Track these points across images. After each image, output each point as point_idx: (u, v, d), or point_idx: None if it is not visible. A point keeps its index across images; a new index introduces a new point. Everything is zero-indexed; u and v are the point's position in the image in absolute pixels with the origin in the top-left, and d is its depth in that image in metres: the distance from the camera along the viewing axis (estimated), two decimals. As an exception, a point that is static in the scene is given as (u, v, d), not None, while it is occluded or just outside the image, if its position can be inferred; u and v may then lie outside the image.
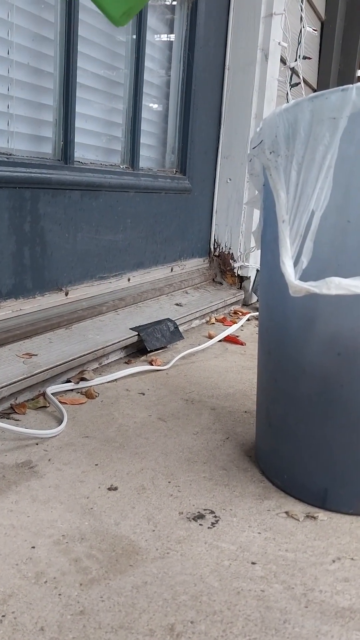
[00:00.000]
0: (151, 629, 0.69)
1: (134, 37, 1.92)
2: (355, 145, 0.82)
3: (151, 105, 2.17)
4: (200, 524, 0.91)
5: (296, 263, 0.84)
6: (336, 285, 0.75)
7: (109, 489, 0.99)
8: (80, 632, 0.68)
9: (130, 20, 1.03)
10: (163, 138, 2.30)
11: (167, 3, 2.15)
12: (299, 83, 2.69)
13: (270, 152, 0.89)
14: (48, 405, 1.31)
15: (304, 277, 0.82)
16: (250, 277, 2.58)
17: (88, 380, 1.45)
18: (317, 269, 0.86)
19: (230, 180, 2.55)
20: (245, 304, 2.59)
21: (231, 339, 1.98)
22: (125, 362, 1.65)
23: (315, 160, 0.82)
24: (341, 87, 0.79)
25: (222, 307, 2.33)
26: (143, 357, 1.70)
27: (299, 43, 2.65)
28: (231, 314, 2.39)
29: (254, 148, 0.96)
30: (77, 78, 1.66)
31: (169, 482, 1.02)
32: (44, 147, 1.64)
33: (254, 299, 2.62)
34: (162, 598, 0.75)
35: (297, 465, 1.00)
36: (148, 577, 0.78)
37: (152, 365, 1.63)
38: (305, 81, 3.12)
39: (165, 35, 2.19)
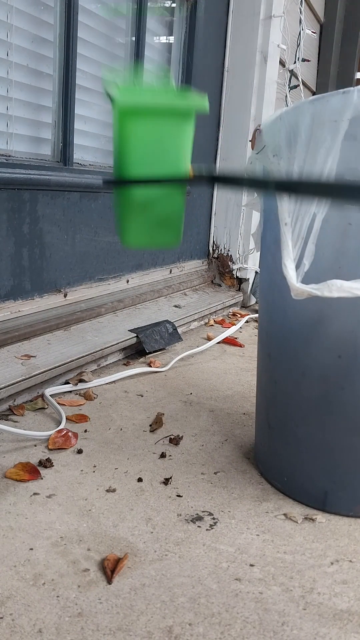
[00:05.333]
0: (149, 631, 0.69)
1: (133, 39, 1.92)
2: (357, 148, 0.82)
3: (150, 107, 2.17)
4: (199, 526, 0.91)
5: (298, 266, 0.84)
6: (338, 288, 0.75)
7: (107, 490, 0.99)
8: (78, 634, 0.68)
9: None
10: (162, 140, 2.30)
11: (167, 5, 2.16)
12: (298, 85, 2.70)
13: (274, 156, 0.89)
14: (46, 406, 1.31)
15: (305, 280, 0.82)
16: (248, 279, 2.58)
17: (87, 381, 1.45)
18: (319, 272, 0.86)
19: (229, 182, 2.55)
20: (243, 305, 2.59)
21: (230, 341, 1.98)
22: (124, 364, 1.65)
23: (316, 163, 0.82)
24: (342, 90, 0.79)
25: (221, 309, 2.33)
26: (142, 359, 1.70)
27: (298, 45, 2.66)
28: (230, 316, 2.39)
29: (257, 153, 0.96)
30: (77, 80, 1.66)
31: (168, 484, 1.02)
32: (43, 149, 1.64)
33: (253, 300, 2.63)
34: (160, 600, 0.75)
35: (297, 468, 1.00)
36: (146, 579, 0.78)
37: (150, 366, 1.63)
38: (304, 83, 3.13)
39: (165, 37, 2.19)
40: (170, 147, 0.96)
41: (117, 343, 1.61)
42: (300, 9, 2.62)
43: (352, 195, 0.63)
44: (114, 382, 1.50)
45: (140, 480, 1.03)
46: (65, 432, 1.16)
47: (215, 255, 2.64)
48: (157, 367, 1.63)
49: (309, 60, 3.29)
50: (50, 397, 1.31)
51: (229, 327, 2.11)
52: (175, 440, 1.18)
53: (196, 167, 0.98)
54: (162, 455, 1.12)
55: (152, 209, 1.00)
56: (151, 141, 0.95)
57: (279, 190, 0.77)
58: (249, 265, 2.58)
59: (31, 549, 0.83)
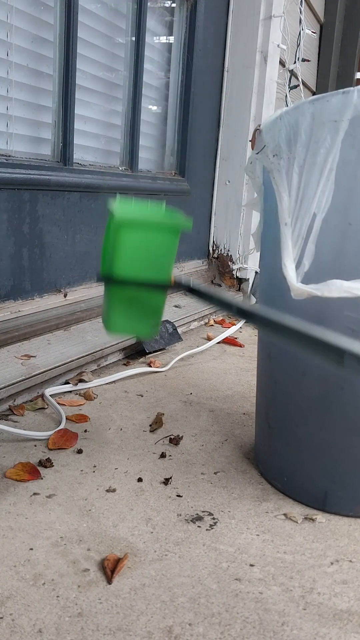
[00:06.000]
0: (149, 631, 0.69)
1: (133, 39, 1.92)
2: (357, 148, 0.82)
3: (150, 107, 2.18)
4: (199, 526, 0.91)
5: (298, 266, 0.84)
6: (337, 288, 0.75)
7: (107, 490, 0.99)
8: (78, 634, 0.68)
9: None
10: (162, 140, 2.30)
11: (167, 5, 2.16)
12: (298, 85, 2.70)
13: (274, 156, 0.89)
14: (46, 406, 1.31)
15: (305, 280, 0.83)
16: (248, 279, 2.58)
17: (86, 381, 1.45)
18: (319, 272, 0.86)
19: (229, 182, 2.55)
20: (243, 306, 2.59)
21: (230, 341, 1.98)
22: (124, 364, 1.65)
23: (316, 163, 0.83)
24: (342, 90, 0.79)
25: (221, 309, 2.33)
26: (142, 359, 1.70)
27: (298, 45, 2.66)
28: (230, 316, 2.39)
29: (257, 153, 0.96)
30: (77, 80, 1.66)
31: (168, 484, 1.02)
32: (43, 149, 1.64)
33: (253, 300, 2.63)
34: (160, 600, 0.75)
35: (297, 468, 1.00)
36: (146, 579, 0.78)
37: (150, 367, 1.63)
38: (304, 83, 3.13)
39: (165, 37, 2.19)
40: (156, 256, 1.12)
41: (117, 343, 1.61)
42: (300, 9, 2.62)
43: (304, 344, 0.70)
44: (114, 382, 1.50)
45: (140, 480, 1.03)
46: (65, 432, 1.16)
47: (215, 255, 2.64)
48: (157, 367, 1.63)
49: (309, 60, 3.29)
50: (50, 397, 1.31)
51: (229, 327, 2.11)
52: (175, 440, 1.18)
53: (177, 277, 1.13)
54: (162, 455, 1.12)
55: (136, 303, 1.15)
56: (140, 250, 1.11)
57: (239, 314, 0.87)
58: (249, 265, 2.58)
59: (31, 549, 0.83)
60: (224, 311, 0.97)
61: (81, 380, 1.45)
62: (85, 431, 1.21)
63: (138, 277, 1.11)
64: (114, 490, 0.99)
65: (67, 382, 1.44)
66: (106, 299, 1.18)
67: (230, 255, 2.60)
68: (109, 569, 0.79)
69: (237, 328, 2.14)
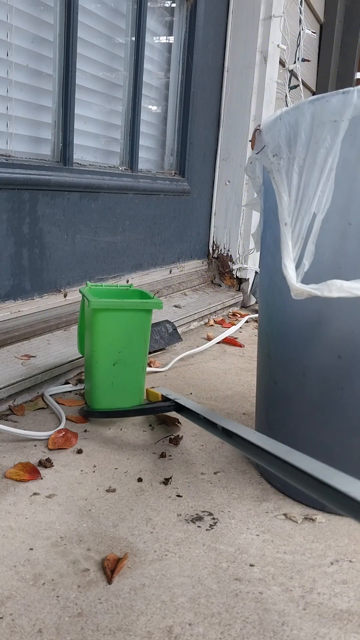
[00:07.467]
0: (149, 631, 0.69)
1: (133, 39, 1.92)
2: (357, 148, 0.82)
3: (150, 107, 2.18)
4: (199, 526, 0.91)
5: (298, 266, 0.84)
6: (337, 288, 0.75)
7: (107, 490, 0.99)
8: (78, 634, 0.68)
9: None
10: (162, 140, 2.30)
11: (167, 5, 2.16)
12: (298, 85, 2.70)
13: (274, 156, 0.89)
14: (46, 406, 1.31)
15: (305, 280, 0.83)
16: (248, 279, 2.58)
17: (86, 381, 1.45)
18: (319, 272, 0.86)
19: (229, 182, 2.55)
20: (243, 305, 2.59)
21: (230, 341, 1.98)
22: (124, 364, 1.65)
23: (316, 163, 0.83)
24: (342, 90, 0.79)
25: (221, 309, 2.33)
26: (141, 359, 1.70)
27: (298, 45, 2.66)
28: (230, 316, 2.39)
29: (257, 153, 0.96)
30: (77, 80, 1.66)
31: (168, 484, 1.02)
32: (43, 149, 1.64)
33: (253, 300, 2.63)
34: (160, 600, 0.75)
35: (296, 468, 1.00)
36: (146, 579, 0.78)
37: (150, 367, 1.63)
38: (304, 83, 3.13)
39: (165, 37, 2.19)
40: (133, 333, 1.22)
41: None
42: (300, 9, 2.62)
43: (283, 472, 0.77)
44: (114, 382, 1.50)
45: (140, 480, 1.03)
46: (65, 432, 1.16)
47: (215, 255, 2.64)
48: (157, 367, 1.63)
49: (309, 60, 3.29)
50: (50, 397, 1.31)
51: (229, 327, 2.11)
52: (175, 440, 1.18)
53: (164, 392, 1.26)
54: (162, 455, 1.12)
55: (118, 380, 1.25)
56: (117, 329, 1.21)
57: (224, 436, 0.95)
58: (249, 265, 2.58)
59: (31, 549, 0.83)
60: (208, 430, 1.04)
61: (81, 380, 1.45)
62: (85, 431, 1.21)
63: (116, 356, 1.22)
64: (114, 490, 0.99)
65: (67, 382, 1.44)
66: (88, 378, 1.28)
67: (230, 255, 2.60)
68: (109, 569, 0.79)
69: (237, 328, 2.14)
